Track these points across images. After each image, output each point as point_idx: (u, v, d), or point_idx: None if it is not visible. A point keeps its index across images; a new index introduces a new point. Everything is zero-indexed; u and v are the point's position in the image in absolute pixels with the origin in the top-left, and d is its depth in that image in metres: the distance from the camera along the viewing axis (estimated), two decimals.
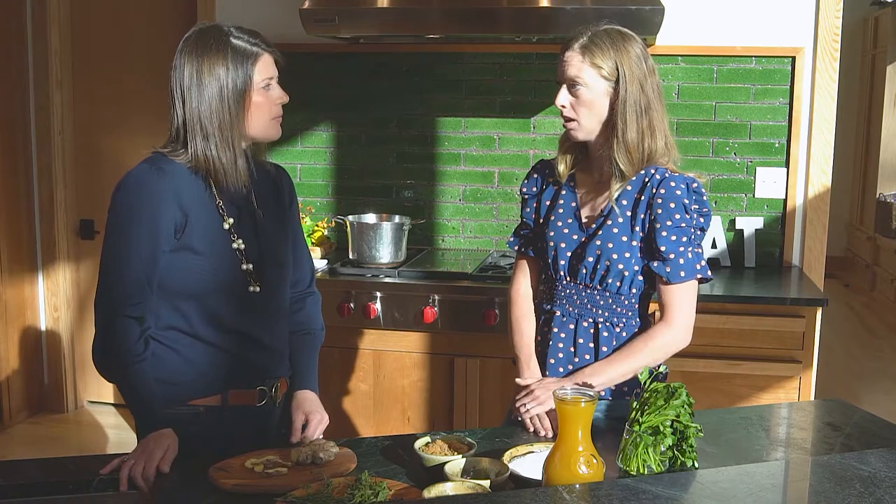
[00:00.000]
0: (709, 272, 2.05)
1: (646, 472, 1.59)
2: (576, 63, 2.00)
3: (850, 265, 8.21)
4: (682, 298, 2.02)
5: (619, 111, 2.00)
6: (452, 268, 3.45)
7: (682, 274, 2.00)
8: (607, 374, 2.01)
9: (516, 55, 3.68)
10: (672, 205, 1.99)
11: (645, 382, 1.70)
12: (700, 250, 2.04)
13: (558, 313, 2.10)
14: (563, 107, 2.03)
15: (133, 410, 1.90)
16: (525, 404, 2.00)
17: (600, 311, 2.06)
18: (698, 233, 2.03)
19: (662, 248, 1.99)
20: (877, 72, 7.74)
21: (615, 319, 2.06)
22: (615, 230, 2.03)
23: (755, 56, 3.52)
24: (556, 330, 2.10)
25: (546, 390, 1.99)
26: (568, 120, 2.05)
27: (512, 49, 3.67)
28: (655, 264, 2.01)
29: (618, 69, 2.00)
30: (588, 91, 2.00)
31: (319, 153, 3.88)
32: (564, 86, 2.03)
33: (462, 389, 3.24)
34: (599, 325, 2.06)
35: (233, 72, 1.84)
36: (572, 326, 2.08)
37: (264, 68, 1.88)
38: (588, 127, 2.04)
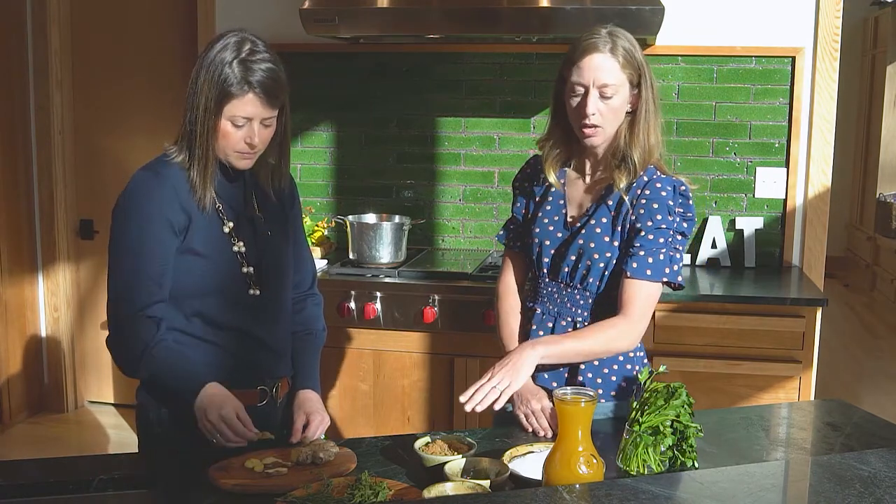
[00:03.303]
0: (679, 279, 2.01)
1: (646, 472, 1.59)
2: (610, 67, 1.94)
3: (850, 265, 8.21)
4: (641, 296, 1.97)
5: (642, 114, 1.99)
6: (452, 268, 3.45)
7: (648, 272, 1.97)
8: (561, 346, 1.95)
9: (516, 55, 3.68)
10: (656, 205, 1.98)
11: (645, 382, 1.70)
12: (676, 255, 2.01)
13: (539, 311, 2.10)
14: (593, 115, 1.96)
15: (169, 390, 1.88)
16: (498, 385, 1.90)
17: (579, 311, 2.05)
18: (678, 237, 2.01)
19: (637, 245, 1.97)
20: (877, 72, 7.74)
21: (593, 321, 2.04)
22: (598, 230, 2.02)
23: (755, 56, 3.52)
24: (534, 327, 2.09)
25: (508, 372, 1.88)
26: (592, 127, 1.97)
27: (512, 49, 3.67)
28: (625, 259, 1.99)
29: (640, 72, 1.98)
30: (619, 97, 1.96)
31: (319, 153, 3.88)
32: (595, 92, 1.95)
33: (462, 389, 3.21)
34: (578, 325, 2.05)
35: (215, 91, 1.81)
36: (551, 325, 2.08)
37: (241, 106, 1.82)
38: (608, 133, 2.00)
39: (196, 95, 1.83)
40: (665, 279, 1.99)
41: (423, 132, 3.80)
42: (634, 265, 1.97)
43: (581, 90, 1.97)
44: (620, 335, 1.98)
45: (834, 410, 2.10)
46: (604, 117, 1.97)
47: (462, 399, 1.85)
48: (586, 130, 1.98)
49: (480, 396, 1.84)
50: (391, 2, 3.23)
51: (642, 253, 1.97)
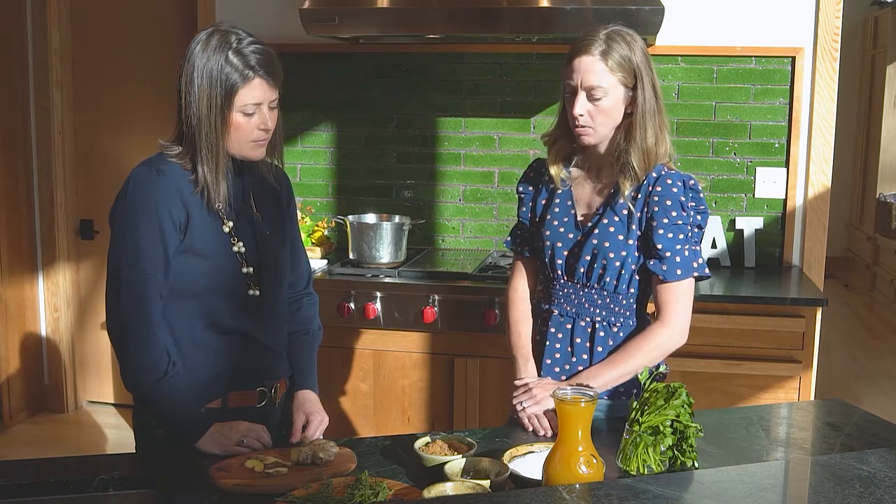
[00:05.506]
0: (706, 270, 2.04)
1: (646, 472, 1.59)
2: (597, 70, 1.95)
3: (850, 265, 8.21)
4: (678, 297, 2.01)
5: (638, 117, 1.98)
6: (452, 268, 3.45)
7: (679, 272, 1.99)
8: (604, 378, 2.00)
9: (516, 55, 3.68)
10: (669, 202, 1.99)
11: (645, 382, 1.70)
12: (697, 248, 2.03)
13: (556, 313, 2.10)
14: (581, 115, 1.97)
15: (168, 419, 1.90)
16: (522, 402, 2.00)
17: (597, 311, 2.06)
18: (696, 230, 2.02)
19: (659, 246, 1.99)
20: (877, 72, 7.73)
21: (612, 319, 2.05)
22: (611, 229, 2.02)
23: (755, 56, 3.52)
24: (552, 330, 2.10)
25: (544, 390, 1.99)
26: (582, 127, 1.99)
27: (512, 49, 3.67)
28: (652, 262, 2.00)
29: (636, 75, 1.98)
30: (609, 99, 1.97)
31: (319, 153, 3.88)
32: (582, 93, 1.96)
33: (462, 389, 3.24)
34: (597, 325, 2.06)
35: (218, 88, 1.81)
36: (569, 326, 2.08)
37: (249, 93, 1.83)
38: (602, 133, 2.01)
39: (194, 98, 1.81)
40: (695, 273, 2.01)
41: (423, 132, 3.80)
42: (664, 268, 1.99)
43: (571, 91, 1.99)
44: (662, 344, 2.02)
45: (834, 410, 2.10)
46: (593, 118, 1.98)
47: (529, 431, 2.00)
48: (577, 130, 2.00)
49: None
50: (391, 2, 3.22)
51: (668, 254, 1.98)
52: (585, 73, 1.95)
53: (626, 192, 2.01)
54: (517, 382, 2.08)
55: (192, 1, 3.95)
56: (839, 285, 7.82)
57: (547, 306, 2.13)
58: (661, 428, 1.61)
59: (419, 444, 1.78)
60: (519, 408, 2.01)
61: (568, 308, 2.09)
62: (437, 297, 3.22)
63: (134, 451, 2.01)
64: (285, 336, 2.08)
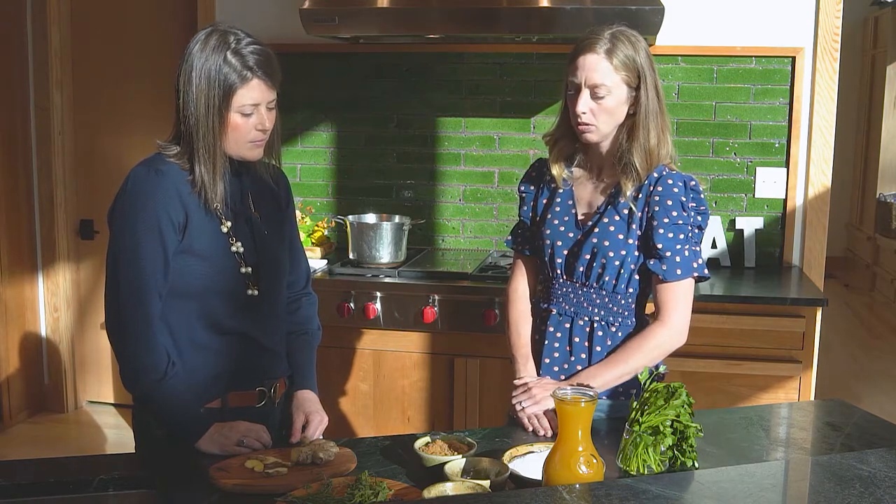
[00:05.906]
0: (706, 271, 2.04)
1: (646, 472, 1.59)
2: (602, 68, 1.96)
3: (850, 265, 8.21)
4: (677, 297, 2.01)
5: (642, 117, 1.99)
6: (452, 268, 3.45)
7: (679, 272, 1.99)
8: (603, 378, 2.00)
9: (516, 55, 3.68)
10: (669, 202, 1.99)
11: (645, 382, 1.70)
12: (698, 248, 2.03)
13: (554, 312, 2.10)
14: (584, 113, 1.98)
15: (168, 419, 1.90)
16: (521, 402, 2.00)
17: (596, 310, 2.06)
18: (696, 231, 2.03)
19: (659, 246, 1.99)
20: (877, 72, 7.74)
21: (611, 318, 2.05)
22: (612, 228, 2.03)
23: (755, 56, 3.52)
24: (551, 329, 2.10)
25: (543, 390, 1.99)
26: (585, 125, 2.00)
27: (512, 49, 3.67)
28: (652, 262, 2.00)
29: (639, 75, 1.98)
30: (612, 98, 1.97)
31: (319, 153, 3.88)
32: (586, 91, 1.97)
33: (462, 389, 3.24)
34: (595, 325, 2.06)
35: (216, 88, 1.81)
36: (568, 325, 2.08)
37: (247, 94, 1.82)
38: (604, 132, 2.02)
39: (192, 98, 1.81)
40: (695, 274, 2.01)
41: (423, 132, 3.80)
42: (664, 268, 1.99)
43: (574, 88, 1.99)
44: (662, 344, 2.02)
45: (834, 410, 2.10)
46: (596, 116, 1.99)
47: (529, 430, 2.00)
48: (580, 128, 2.01)
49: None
50: (391, 2, 3.22)
51: (668, 254, 1.99)
52: (590, 71, 1.96)
53: (628, 192, 2.01)
54: (516, 382, 2.08)
55: (192, 1, 3.95)
56: (839, 285, 7.82)
57: (546, 305, 2.13)
58: (661, 428, 1.61)
59: (419, 444, 1.78)
60: (518, 408, 2.01)
61: (567, 307, 2.09)
62: (437, 297, 3.22)
63: (134, 451, 2.01)
64: (284, 336, 2.08)
